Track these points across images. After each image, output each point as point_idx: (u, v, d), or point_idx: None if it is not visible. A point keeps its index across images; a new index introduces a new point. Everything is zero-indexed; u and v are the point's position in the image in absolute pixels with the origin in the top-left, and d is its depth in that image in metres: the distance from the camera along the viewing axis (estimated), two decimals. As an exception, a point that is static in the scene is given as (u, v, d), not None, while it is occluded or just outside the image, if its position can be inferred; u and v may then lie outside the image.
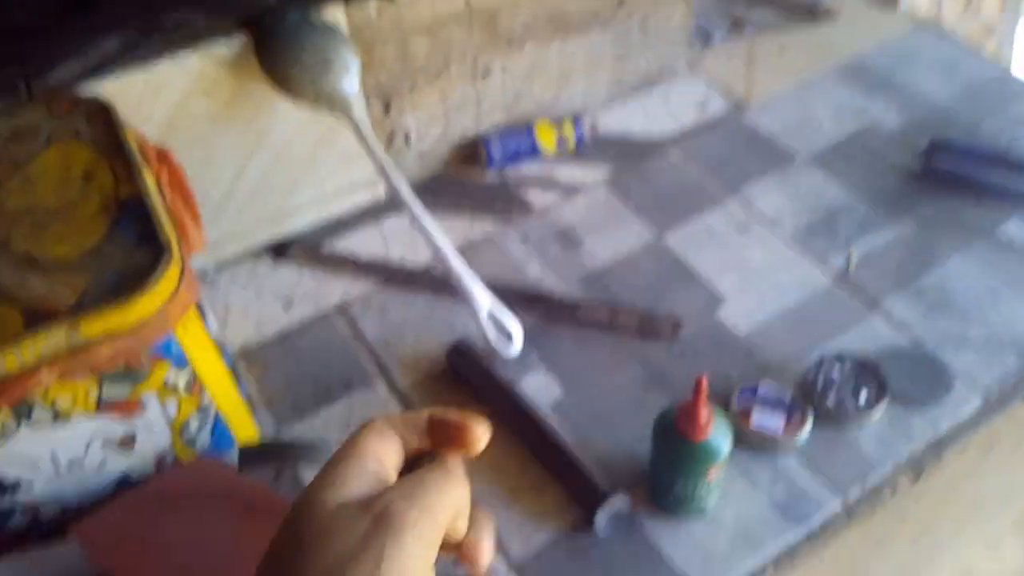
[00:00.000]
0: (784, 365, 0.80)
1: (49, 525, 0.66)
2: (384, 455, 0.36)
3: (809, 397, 0.76)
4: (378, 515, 0.32)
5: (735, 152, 1.03)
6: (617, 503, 0.68)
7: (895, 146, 1.02)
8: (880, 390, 0.76)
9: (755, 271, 0.89)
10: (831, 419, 0.75)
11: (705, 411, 0.61)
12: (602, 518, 0.68)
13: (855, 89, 1.11)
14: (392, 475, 0.36)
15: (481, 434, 0.38)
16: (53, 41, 0.79)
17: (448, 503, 0.34)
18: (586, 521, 0.69)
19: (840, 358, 0.79)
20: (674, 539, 0.69)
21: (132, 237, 0.60)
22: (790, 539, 0.69)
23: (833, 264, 0.90)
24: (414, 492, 0.33)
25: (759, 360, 0.81)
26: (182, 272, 0.60)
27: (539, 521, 0.71)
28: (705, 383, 0.59)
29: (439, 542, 0.33)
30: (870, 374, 0.77)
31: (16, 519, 0.64)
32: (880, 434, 0.75)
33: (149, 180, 0.66)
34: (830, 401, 0.75)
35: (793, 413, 0.74)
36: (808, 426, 0.74)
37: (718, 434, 0.63)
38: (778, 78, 1.13)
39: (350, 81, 0.80)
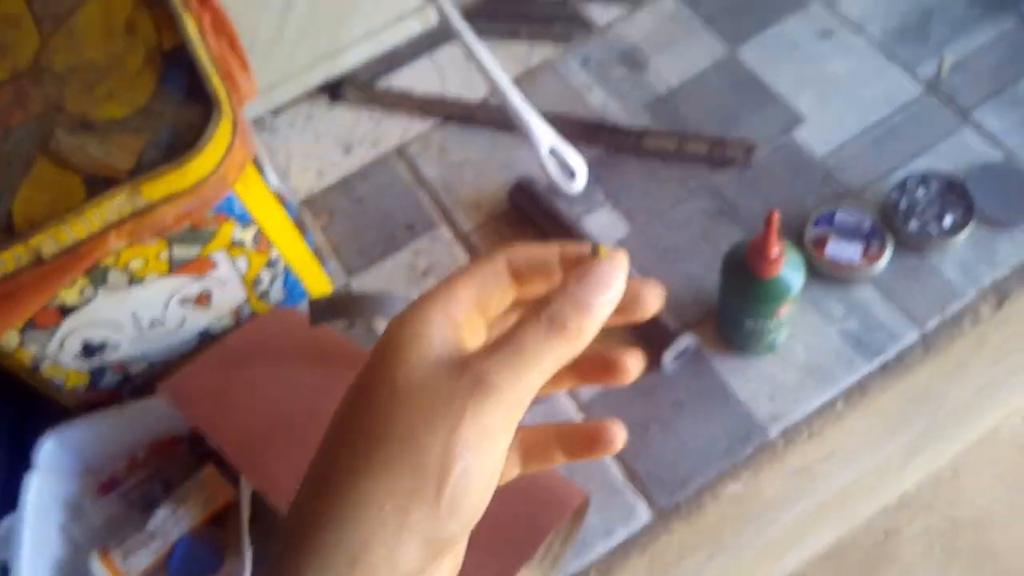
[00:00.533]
0: (865, 188, 0.76)
1: (139, 381, 0.70)
2: (485, 302, 0.32)
3: (890, 222, 0.72)
4: (470, 378, 0.29)
5: (818, -52, 0.93)
6: (684, 342, 0.68)
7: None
8: (967, 212, 0.72)
9: (837, 84, 0.83)
10: (913, 245, 0.72)
11: (776, 247, 0.59)
12: (668, 357, 0.68)
13: None
14: (483, 329, 0.33)
15: (633, 366, 0.35)
16: None
17: (548, 366, 0.30)
18: (654, 360, 0.69)
19: (925, 178, 0.74)
20: (743, 375, 0.69)
21: (181, 91, 0.59)
22: (863, 372, 0.68)
23: (924, 72, 0.82)
24: (509, 358, 0.29)
25: (838, 184, 0.77)
26: (235, 127, 0.58)
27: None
28: (777, 217, 0.56)
29: (527, 404, 0.30)
30: (957, 194, 0.73)
31: (108, 377, 0.68)
32: (964, 259, 0.71)
33: (191, 27, 0.63)
34: (912, 226, 0.71)
35: (872, 240, 0.71)
36: (887, 254, 0.71)
37: (790, 270, 0.61)
38: None
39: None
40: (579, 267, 0.32)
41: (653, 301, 0.35)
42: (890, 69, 0.83)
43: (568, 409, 0.69)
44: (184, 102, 0.58)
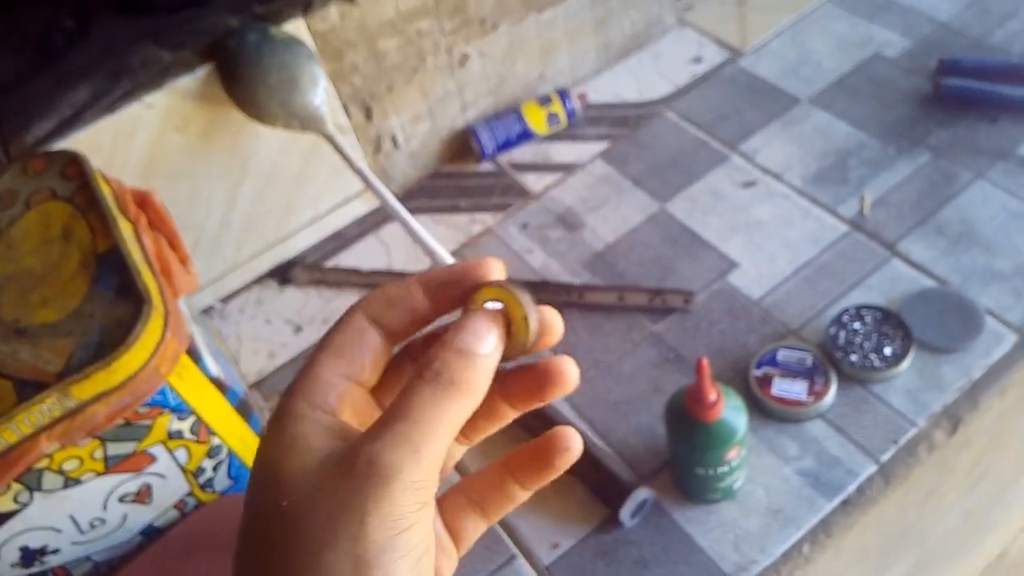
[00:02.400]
0: (804, 325, 0.77)
1: (82, 584, 0.67)
2: (357, 367, 0.29)
3: (831, 357, 0.73)
4: (363, 468, 0.25)
5: (734, 104, 0.99)
6: (641, 495, 0.66)
7: (902, 72, 0.97)
8: (906, 341, 0.73)
9: (765, 229, 0.86)
10: (856, 378, 0.72)
11: (712, 391, 0.59)
12: (627, 512, 0.66)
13: (854, 17, 1.05)
14: (367, 400, 0.30)
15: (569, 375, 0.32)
16: (27, 98, 0.79)
17: (446, 429, 0.27)
18: (612, 517, 0.67)
19: (860, 311, 0.75)
20: (704, 524, 0.67)
21: (111, 291, 0.60)
22: (825, 510, 0.66)
23: (846, 211, 0.86)
24: (402, 431, 0.26)
25: (777, 324, 0.78)
26: (166, 320, 0.59)
27: (565, 523, 0.69)
28: (706, 363, 0.57)
29: (436, 475, 0.27)
30: (893, 325, 0.74)
31: (48, 583, 0.65)
32: (909, 388, 0.71)
33: (126, 229, 0.65)
34: (853, 359, 0.72)
35: (816, 376, 0.72)
36: (833, 389, 0.71)
37: (731, 412, 0.61)
38: (773, 17, 1.08)
39: (318, 96, 0.78)
40: (456, 322, 0.29)
41: (570, 371, 0.32)
42: (813, 210, 0.86)
43: (528, 574, 0.67)
44: (115, 301, 0.59)
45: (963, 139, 0.89)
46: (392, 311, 0.31)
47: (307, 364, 0.29)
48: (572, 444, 0.32)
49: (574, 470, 0.70)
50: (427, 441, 0.26)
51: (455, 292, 0.31)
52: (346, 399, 0.29)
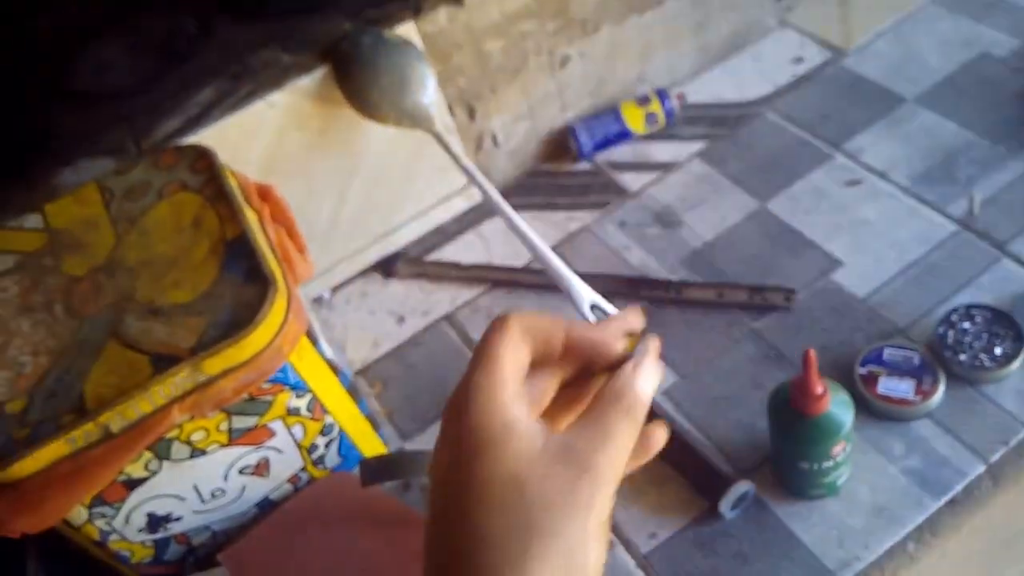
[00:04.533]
0: (911, 325, 0.76)
1: (201, 552, 0.71)
2: (520, 370, 0.36)
3: (940, 356, 0.72)
4: (578, 468, 0.32)
5: (837, 104, 0.98)
6: (741, 488, 0.66)
7: (1011, 72, 0.95)
8: (1017, 340, 0.71)
9: (871, 228, 0.85)
10: (966, 378, 0.71)
11: (819, 383, 0.59)
12: (726, 505, 0.66)
13: (960, 15, 1.03)
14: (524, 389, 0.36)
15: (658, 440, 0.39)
16: (154, 99, 0.84)
17: (630, 442, 0.35)
18: (712, 510, 0.67)
19: (971, 311, 0.74)
20: (807, 520, 0.67)
21: (240, 275, 0.63)
22: (931, 510, 0.65)
23: (955, 210, 0.84)
24: (605, 443, 0.33)
25: (883, 322, 0.77)
26: (289, 303, 0.63)
27: (663, 515, 0.70)
28: (813, 354, 0.57)
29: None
30: (1005, 324, 0.72)
31: (171, 550, 0.69)
32: (1021, 389, 0.70)
33: (251, 218, 0.69)
34: (963, 358, 0.71)
35: (923, 376, 0.70)
36: (941, 388, 0.69)
37: (838, 406, 0.61)
38: (876, 16, 1.06)
39: (428, 95, 0.81)
40: (627, 361, 0.36)
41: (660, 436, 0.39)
42: (921, 209, 0.85)
43: (627, 563, 0.68)
44: (243, 284, 0.63)
45: (1079, 138, 0.86)
46: (534, 340, 0.37)
47: (488, 359, 0.35)
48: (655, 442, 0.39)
49: (674, 462, 0.71)
50: (621, 459, 0.34)
51: (587, 359, 0.38)
52: (525, 392, 0.35)
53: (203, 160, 0.73)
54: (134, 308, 0.64)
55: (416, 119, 0.81)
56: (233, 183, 0.72)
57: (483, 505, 0.32)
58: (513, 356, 0.35)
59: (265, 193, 0.75)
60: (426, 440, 0.80)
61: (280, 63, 0.82)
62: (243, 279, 0.63)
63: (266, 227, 0.71)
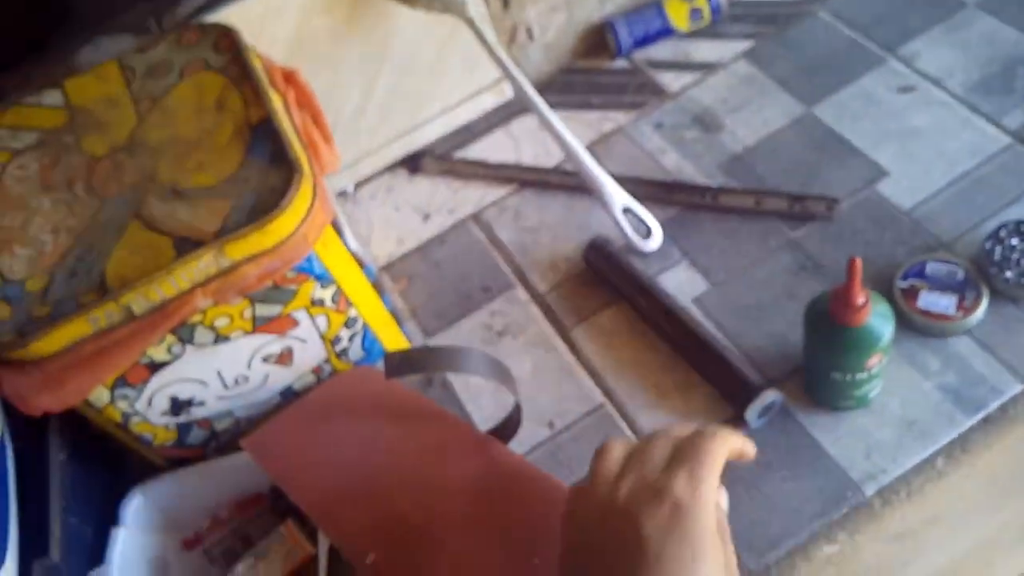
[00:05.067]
0: (957, 239, 0.73)
1: (224, 438, 0.71)
2: None
3: (985, 272, 0.69)
4: (672, 504, 0.43)
5: (893, 5, 0.92)
6: (769, 397, 0.65)
7: (1084, -23, 0.89)
8: (1070, 259, 0.68)
9: (921, 137, 0.81)
10: (1010, 295, 0.68)
11: (861, 293, 0.57)
12: (753, 413, 0.65)
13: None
14: None
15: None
16: (178, -27, 0.81)
17: (720, 459, 0.46)
18: (738, 418, 0.66)
19: (1020, 226, 0.70)
20: (833, 432, 0.65)
21: (265, 159, 0.61)
22: (964, 427, 0.64)
23: (1010, 123, 0.80)
24: (692, 470, 0.44)
25: (928, 236, 0.74)
26: (315, 191, 0.61)
27: (688, 419, 0.69)
28: (859, 263, 0.54)
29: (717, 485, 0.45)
30: (1058, 243, 0.69)
31: (194, 434, 0.70)
32: (1070, 308, 0.67)
33: (277, 102, 0.67)
34: (1008, 275, 0.68)
35: (967, 291, 0.68)
36: (984, 304, 0.67)
37: (877, 318, 0.59)
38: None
39: (462, -23, 0.77)
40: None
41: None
42: (975, 120, 0.81)
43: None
44: (268, 168, 0.60)
45: None
46: None
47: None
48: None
49: (701, 369, 0.70)
50: (714, 473, 0.47)
51: None
52: None
53: (227, 39, 0.70)
54: (156, 189, 0.62)
55: (448, 3, 0.77)
56: (258, 64, 0.69)
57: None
58: (721, 468, 0.47)
59: (290, 77, 0.72)
60: (449, 337, 0.79)
61: (308, -61, 0.78)
62: (268, 163, 0.61)
63: (291, 112, 0.69)
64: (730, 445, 0.47)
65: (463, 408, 0.74)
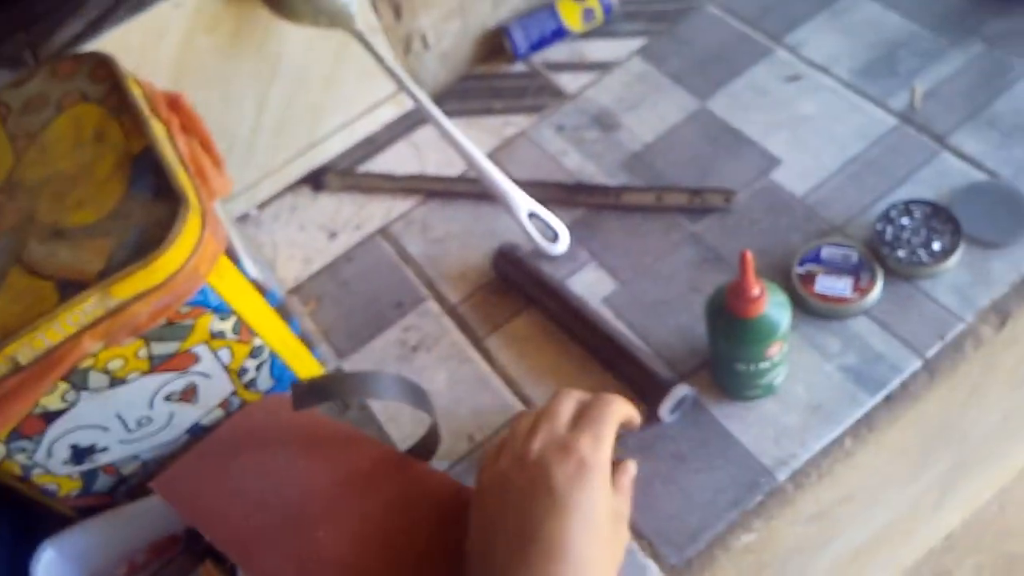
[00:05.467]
0: (849, 222, 0.75)
1: (133, 481, 0.69)
2: None
3: (878, 253, 0.71)
4: (578, 460, 0.52)
5: (779, -5, 0.94)
6: (680, 391, 0.66)
7: (957, -40, 0.92)
8: (955, 236, 0.70)
9: (810, 124, 0.83)
10: (903, 274, 0.70)
11: (755, 285, 0.58)
12: (666, 409, 0.66)
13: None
14: None
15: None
16: (52, 2, 0.78)
17: (616, 423, 0.56)
18: (651, 414, 0.67)
19: (909, 206, 0.73)
20: (744, 420, 0.67)
21: (149, 192, 0.59)
22: (867, 406, 0.66)
23: (896, 104, 0.82)
24: (594, 432, 0.54)
25: (822, 221, 0.76)
26: (204, 220, 0.59)
27: (605, 417, 0.69)
28: (750, 256, 0.55)
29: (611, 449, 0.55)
30: (943, 219, 0.71)
31: (101, 481, 0.67)
32: (958, 283, 0.70)
33: (159, 130, 0.64)
34: (900, 254, 0.70)
35: (861, 273, 0.70)
36: (878, 285, 0.69)
37: (774, 307, 0.60)
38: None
39: (347, -8, 0.76)
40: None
41: None
42: (862, 104, 0.83)
43: (568, 474, 0.67)
44: (152, 201, 0.58)
45: (1018, 28, 0.84)
46: None
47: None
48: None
49: (613, 369, 0.71)
50: (610, 435, 0.57)
51: None
52: None
53: (103, 68, 0.68)
54: (37, 231, 0.60)
55: (334, 18, 0.76)
56: (137, 92, 0.67)
57: (595, 539, 0.52)
58: None
59: (174, 103, 0.70)
60: (363, 357, 0.78)
61: (185, -40, 0.75)
62: (152, 196, 0.59)
63: (176, 139, 0.66)
64: (624, 411, 0.58)
65: (382, 429, 0.73)
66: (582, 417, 0.56)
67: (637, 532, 0.63)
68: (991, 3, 0.87)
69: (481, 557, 0.53)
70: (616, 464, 0.58)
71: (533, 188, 0.81)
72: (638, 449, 0.67)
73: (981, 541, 1.40)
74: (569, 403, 0.57)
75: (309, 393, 0.61)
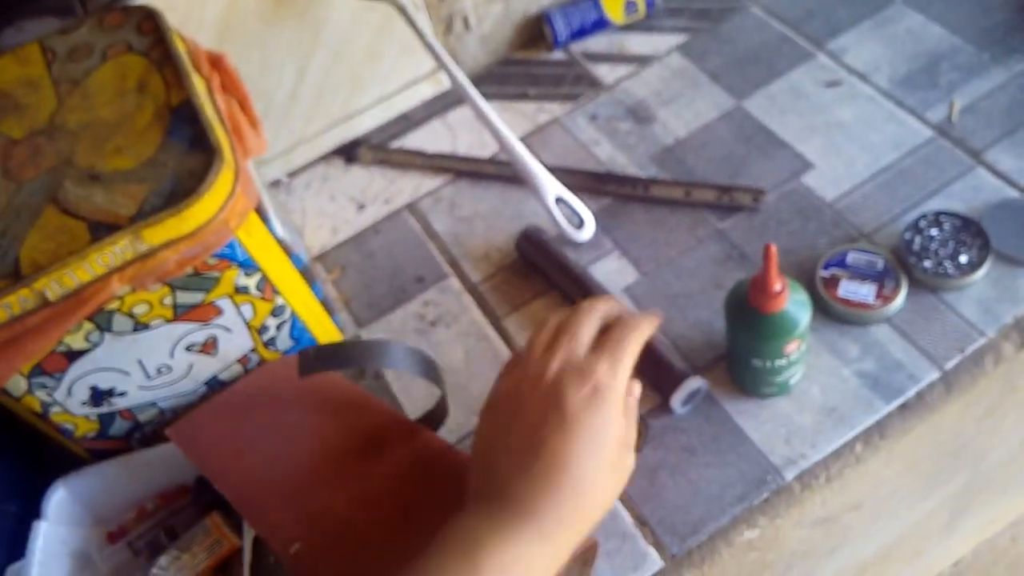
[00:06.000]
0: (878, 230, 0.75)
1: (149, 428, 0.70)
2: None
3: (904, 262, 0.71)
4: (594, 385, 0.52)
5: (823, 1, 0.94)
6: (693, 384, 0.66)
7: (1007, -24, 0.91)
8: (983, 250, 0.70)
9: (846, 130, 0.83)
10: (928, 284, 0.70)
11: (778, 281, 0.58)
12: (678, 400, 0.66)
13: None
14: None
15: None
16: (103, -45, 0.79)
17: (637, 349, 0.56)
18: (663, 404, 0.67)
19: (939, 217, 0.72)
20: (757, 417, 0.67)
21: (185, 143, 0.60)
22: (881, 413, 0.65)
23: (933, 116, 0.82)
24: (613, 358, 0.54)
25: (850, 226, 0.76)
26: (237, 176, 0.60)
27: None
28: (774, 250, 0.55)
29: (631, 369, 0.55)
30: (972, 232, 0.71)
31: (117, 425, 0.68)
32: (982, 297, 0.69)
33: (200, 85, 0.65)
34: (927, 265, 0.70)
35: (886, 280, 0.70)
36: (902, 294, 0.69)
37: (795, 304, 0.60)
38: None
39: (394, -36, 0.76)
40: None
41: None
42: (899, 114, 0.83)
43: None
44: (188, 152, 0.59)
45: (1067, 48, 0.84)
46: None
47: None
48: None
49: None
50: (629, 362, 0.57)
51: None
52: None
53: (150, 21, 0.69)
54: (74, 173, 0.61)
55: (380, -10, 0.76)
56: (181, 47, 0.68)
57: (601, 465, 0.52)
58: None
59: (216, 61, 0.71)
60: (382, 327, 0.79)
61: (237, -78, 0.76)
62: (188, 147, 0.60)
63: (215, 96, 0.67)
64: (646, 335, 0.57)
65: (395, 399, 0.74)
66: (603, 340, 0.56)
67: (641, 519, 0.63)
68: (1038, 23, 0.86)
69: (485, 466, 0.54)
70: None
71: (562, 175, 0.81)
72: (648, 439, 0.67)
73: (991, 572, 1.38)
74: (591, 321, 0.57)
75: (316, 360, 0.61)
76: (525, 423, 0.52)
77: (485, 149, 0.89)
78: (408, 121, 0.94)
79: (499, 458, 0.53)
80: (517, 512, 0.50)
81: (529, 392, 0.54)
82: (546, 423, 0.51)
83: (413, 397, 0.74)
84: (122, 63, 0.67)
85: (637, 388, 0.58)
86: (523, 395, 0.54)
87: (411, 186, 0.89)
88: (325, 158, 0.93)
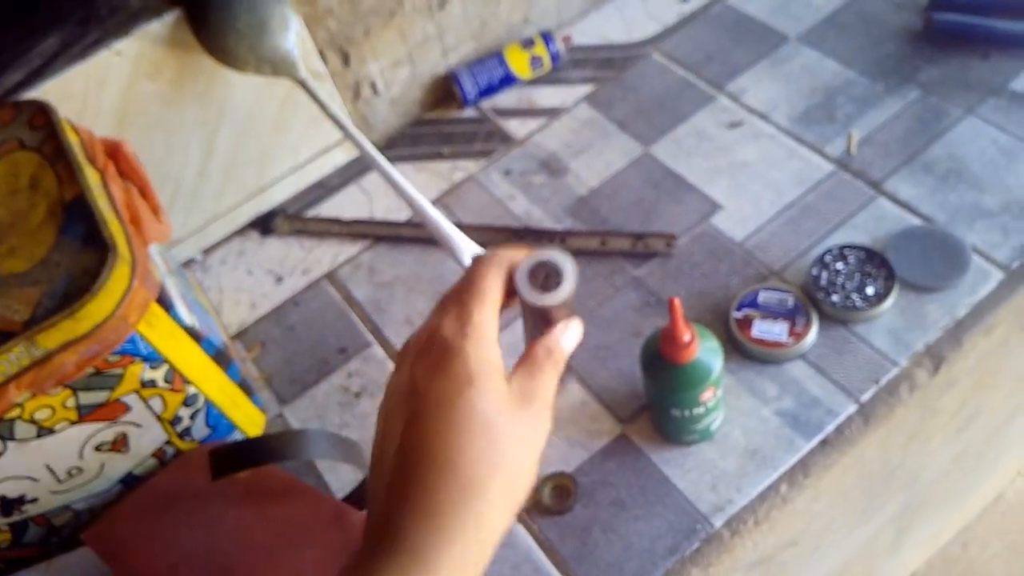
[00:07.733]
0: (786, 267, 0.76)
1: (65, 532, 0.67)
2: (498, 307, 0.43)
3: (813, 297, 0.72)
4: (535, 410, 0.41)
5: (721, 43, 0.96)
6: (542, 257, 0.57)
7: (892, 8, 0.95)
8: (889, 279, 0.71)
9: (750, 170, 0.84)
10: (838, 318, 0.71)
11: (686, 331, 0.58)
12: (523, 274, 0.56)
13: (846, -47, 1.02)
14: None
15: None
16: (-5, 49, 0.78)
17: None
18: (592, 460, 0.67)
19: (843, 251, 0.74)
20: (682, 466, 0.67)
21: (79, 240, 0.59)
22: (803, 450, 0.66)
23: (833, 150, 0.84)
24: (546, 390, 0.42)
25: (760, 265, 0.77)
26: (134, 269, 0.59)
27: (542, 468, 0.69)
28: (678, 303, 0.56)
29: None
30: (877, 263, 0.73)
31: (31, 532, 0.66)
32: (892, 327, 0.71)
33: (93, 178, 0.64)
34: (835, 299, 0.71)
35: (797, 317, 0.71)
36: (814, 330, 0.70)
37: (706, 352, 0.60)
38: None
39: (290, 39, 0.76)
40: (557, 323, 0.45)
41: None
42: (800, 151, 0.85)
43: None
44: (81, 250, 0.58)
45: (954, 75, 0.87)
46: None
47: (485, 297, 0.42)
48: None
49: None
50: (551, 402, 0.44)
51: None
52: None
53: (42, 116, 0.68)
54: (-35, 280, 0.59)
55: (278, 66, 0.76)
56: (74, 139, 0.67)
57: (462, 435, 0.38)
58: (499, 295, 0.42)
59: (113, 149, 0.70)
60: (305, 403, 0.77)
61: (128, 7, 0.76)
62: (81, 244, 0.59)
63: (110, 186, 0.66)
64: (502, 264, 0.43)
65: (320, 476, 0.73)
66: (451, 289, 0.43)
67: (574, 580, 0.63)
68: (926, 50, 0.90)
69: (370, 506, 0.42)
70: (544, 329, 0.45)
71: (480, 232, 0.81)
72: (578, 496, 0.66)
73: (945, 581, 1.40)
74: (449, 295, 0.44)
75: (228, 460, 0.60)
76: (385, 417, 0.42)
77: (403, 212, 0.89)
78: (323, 188, 0.94)
79: (378, 490, 0.41)
80: (395, 551, 0.38)
81: (389, 382, 0.43)
82: (401, 408, 0.40)
83: (339, 474, 0.72)
84: (14, 160, 0.66)
85: (573, 331, 0.46)
86: (388, 410, 0.42)
87: (329, 254, 0.88)
88: (241, 232, 0.92)
